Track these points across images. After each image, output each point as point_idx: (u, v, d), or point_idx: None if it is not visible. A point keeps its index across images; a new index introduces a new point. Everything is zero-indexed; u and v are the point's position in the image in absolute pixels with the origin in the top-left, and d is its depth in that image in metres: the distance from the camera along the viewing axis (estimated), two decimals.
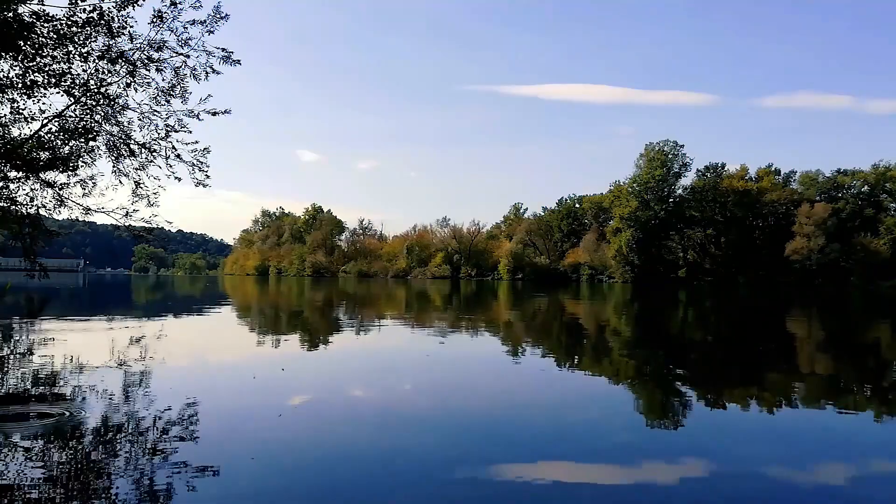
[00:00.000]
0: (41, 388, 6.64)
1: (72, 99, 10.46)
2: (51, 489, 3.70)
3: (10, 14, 9.23)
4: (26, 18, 9.42)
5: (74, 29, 9.72)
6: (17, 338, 11.46)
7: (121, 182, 11.42)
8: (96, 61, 10.21)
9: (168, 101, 10.94)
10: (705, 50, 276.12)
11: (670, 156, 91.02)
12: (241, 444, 4.69)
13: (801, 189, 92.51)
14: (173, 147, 11.21)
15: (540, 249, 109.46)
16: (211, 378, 7.85)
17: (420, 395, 7.02)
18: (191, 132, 11.26)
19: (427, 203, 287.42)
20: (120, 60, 10.30)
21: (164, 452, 4.41)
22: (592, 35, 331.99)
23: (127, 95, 10.81)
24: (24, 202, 11.05)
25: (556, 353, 10.92)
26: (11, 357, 8.99)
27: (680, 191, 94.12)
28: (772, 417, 6.02)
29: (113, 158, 11.30)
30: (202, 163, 11.37)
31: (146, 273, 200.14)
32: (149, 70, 10.62)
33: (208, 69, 10.74)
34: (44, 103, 10.33)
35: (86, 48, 10.00)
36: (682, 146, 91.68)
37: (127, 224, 11.60)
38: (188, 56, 10.60)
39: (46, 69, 9.86)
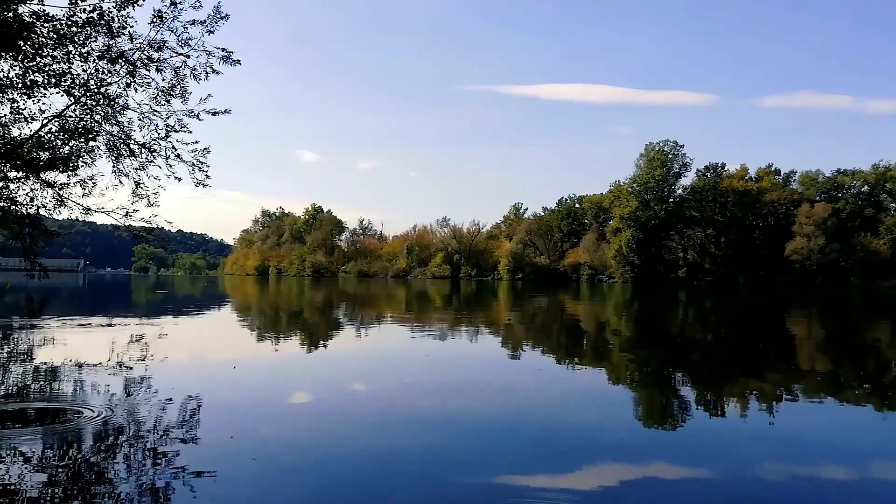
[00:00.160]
0: (41, 387, 6.64)
1: (72, 99, 10.47)
2: (51, 489, 3.70)
3: (10, 14, 9.23)
4: (26, 18, 9.43)
5: (74, 29, 9.73)
6: (17, 338, 11.45)
7: (121, 182, 11.45)
8: (96, 61, 10.22)
9: (168, 101, 10.97)
10: (705, 50, 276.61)
11: (670, 156, 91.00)
12: (241, 445, 4.69)
13: (801, 189, 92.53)
14: (173, 147, 11.24)
15: (540, 249, 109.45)
16: (211, 378, 7.85)
17: (420, 394, 7.02)
18: (191, 132, 11.30)
19: (427, 203, 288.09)
20: (120, 60, 10.31)
21: (165, 453, 4.41)
22: (592, 35, 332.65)
23: (127, 95, 10.85)
24: (24, 202, 11.07)
25: (555, 353, 10.93)
26: (11, 357, 8.99)
27: (680, 191, 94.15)
28: (772, 418, 6.01)
29: (113, 158, 11.32)
30: (202, 163, 11.40)
31: (146, 273, 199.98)
32: (149, 70, 10.65)
33: (208, 69, 10.77)
34: (44, 103, 10.36)
35: (86, 48, 10.01)
36: (682, 146, 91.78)
37: (127, 224, 11.61)
38: (188, 56, 10.64)
39: (46, 69, 9.87)
